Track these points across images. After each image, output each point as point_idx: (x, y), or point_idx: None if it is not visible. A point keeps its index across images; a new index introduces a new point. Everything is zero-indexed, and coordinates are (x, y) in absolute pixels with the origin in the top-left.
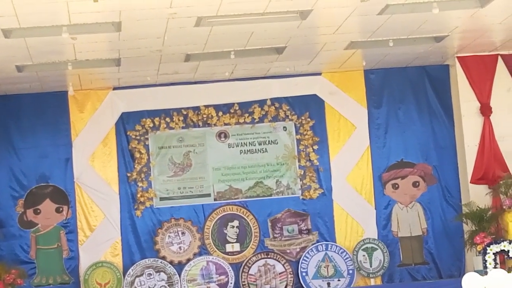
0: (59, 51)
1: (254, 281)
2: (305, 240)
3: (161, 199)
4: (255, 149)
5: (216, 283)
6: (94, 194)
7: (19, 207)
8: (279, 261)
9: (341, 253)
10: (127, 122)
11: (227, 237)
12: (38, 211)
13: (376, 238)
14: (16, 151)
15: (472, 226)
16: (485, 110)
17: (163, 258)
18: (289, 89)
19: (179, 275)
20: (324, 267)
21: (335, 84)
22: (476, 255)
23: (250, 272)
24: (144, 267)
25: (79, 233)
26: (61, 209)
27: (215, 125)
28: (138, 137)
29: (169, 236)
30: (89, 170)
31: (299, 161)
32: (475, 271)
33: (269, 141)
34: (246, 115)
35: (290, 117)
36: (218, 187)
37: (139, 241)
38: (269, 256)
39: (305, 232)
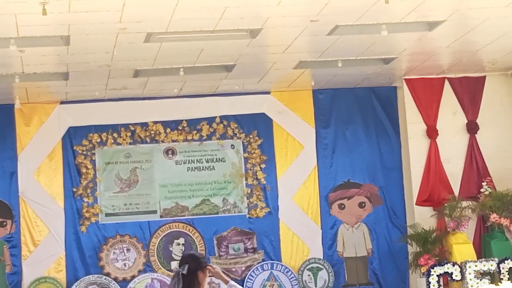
0: (7, 64)
1: None
2: (251, 259)
3: (107, 215)
4: (203, 167)
5: None
6: (38, 208)
7: None
8: None
9: (286, 272)
10: (74, 136)
11: (173, 255)
12: None
13: (322, 258)
14: None
15: (417, 247)
16: (431, 132)
17: (108, 274)
18: (238, 107)
19: None
20: (269, 286)
21: (284, 103)
22: (420, 277)
23: None
24: (88, 283)
25: (22, 248)
26: (4, 223)
27: (162, 141)
28: (84, 152)
29: (114, 252)
30: (34, 185)
31: (246, 179)
32: None
33: (216, 158)
34: (194, 132)
35: (238, 135)
36: (165, 204)
37: (84, 257)
38: None
39: (251, 250)
